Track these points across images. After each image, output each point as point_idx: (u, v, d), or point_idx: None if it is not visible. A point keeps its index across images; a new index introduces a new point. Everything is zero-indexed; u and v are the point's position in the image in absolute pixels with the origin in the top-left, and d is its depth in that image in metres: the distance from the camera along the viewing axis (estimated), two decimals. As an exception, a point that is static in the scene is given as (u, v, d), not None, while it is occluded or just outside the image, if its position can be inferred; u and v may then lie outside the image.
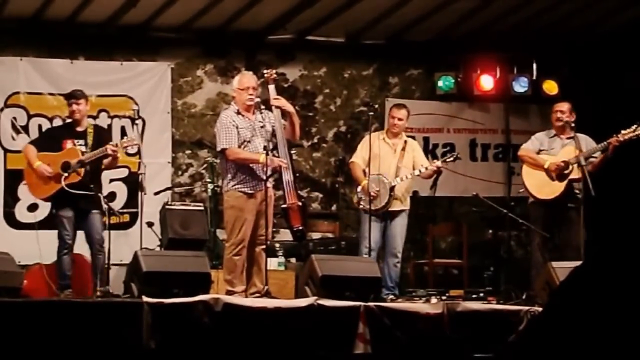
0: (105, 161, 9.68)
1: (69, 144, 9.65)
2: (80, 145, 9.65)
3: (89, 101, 10.14)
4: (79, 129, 9.80)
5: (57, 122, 11.35)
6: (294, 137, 9.58)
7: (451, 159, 10.65)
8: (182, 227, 10.78)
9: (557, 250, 10.05)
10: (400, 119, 10.34)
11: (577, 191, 9.98)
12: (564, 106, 10.30)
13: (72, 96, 9.90)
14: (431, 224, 12.47)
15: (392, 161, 10.20)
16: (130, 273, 8.71)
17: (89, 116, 10.73)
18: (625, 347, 2.73)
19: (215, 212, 10.91)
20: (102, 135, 9.86)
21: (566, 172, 10.00)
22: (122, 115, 11.78)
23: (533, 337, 2.93)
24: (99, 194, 9.57)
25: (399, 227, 10.21)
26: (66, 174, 9.51)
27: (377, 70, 13.03)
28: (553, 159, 10.10)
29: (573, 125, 10.09)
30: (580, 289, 2.84)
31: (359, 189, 10.22)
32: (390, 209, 10.14)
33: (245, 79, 9.44)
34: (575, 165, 9.92)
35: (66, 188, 9.46)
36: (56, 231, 9.71)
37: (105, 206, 9.60)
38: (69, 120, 10.04)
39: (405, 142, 10.40)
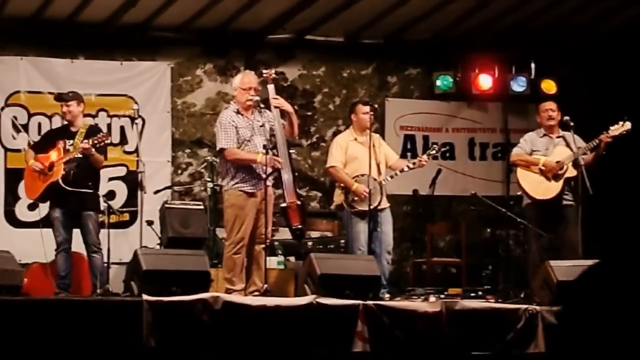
0: (91, 159, 9.68)
1: (60, 145, 9.69)
2: (70, 145, 9.68)
3: (88, 100, 10.15)
4: (72, 129, 9.84)
5: (56, 121, 11.42)
6: (292, 135, 9.63)
7: (433, 152, 10.59)
8: (181, 225, 10.81)
9: (554, 250, 10.08)
10: (372, 113, 10.24)
11: (566, 192, 10.03)
12: (553, 105, 10.37)
13: (61, 99, 9.99)
14: (430, 222, 12.50)
15: (371, 159, 10.08)
16: (130, 272, 8.75)
17: (90, 115, 10.82)
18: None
19: (215, 211, 10.95)
20: (94, 135, 9.77)
21: (561, 171, 10.05)
22: (121, 114, 11.82)
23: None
24: (97, 193, 9.61)
25: (389, 225, 10.19)
26: (50, 173, 9.59)
27: (376, 69, 13.06)
28: (547, 158, 10.14)
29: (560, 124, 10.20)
30: (592, 288, 2.84)
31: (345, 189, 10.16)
32: (380, 207, 10.11)
33: (248, 78, 9.46)
34: (570, 164, 9.98)
35: (63, 184, 9.49)
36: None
37: (104, 205, 9.67)
38: (65, 122, 10.07)
39: (371, 137, 10.18)
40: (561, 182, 10.03)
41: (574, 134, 10.03)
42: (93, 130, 9.90)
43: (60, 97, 10.04)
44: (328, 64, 12.88)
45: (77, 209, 9.66)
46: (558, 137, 10.20)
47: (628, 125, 9.90)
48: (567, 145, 10.05)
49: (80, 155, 9.54)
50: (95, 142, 9.52)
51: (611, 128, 9.90)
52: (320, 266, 8.74)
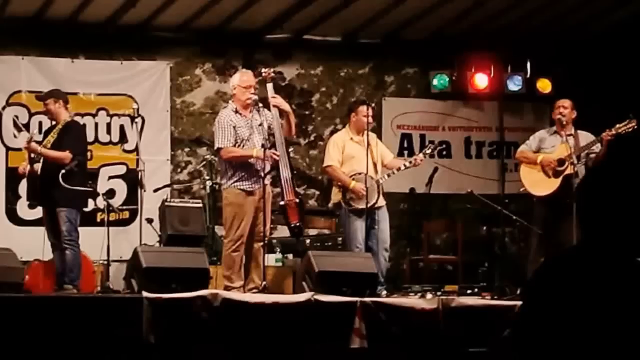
0: (48, 159, 9.64)
1: None
2: (48, 142, 9.73)
3: (88, 100, 10.15)
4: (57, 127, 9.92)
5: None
6: (290, 134, 9.71)
7: (429, 150, 10.68)
8: (181, 223, 10.86)
9: (556, 248, 10.10)
10: (371, 115, 10.26)
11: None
12: (567, 102, 10.32)
13: (39, 99, 10.05)
14: (426, 220, 12.53)
15: (368, 158, 10.13)
16: (131, 269, 8.80)
17: (89, 114, 10.96)
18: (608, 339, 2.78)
19: (214, 209, 11.00)
20: (66, 133, 9.79)
21: (560, 169, 10.11)
22: (121, 113, 11.90)
23: (518, 331, 2.97)
24: (73, 189, 9.61)
25: (386, 222, 10.24)
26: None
27: (373, 68, 13.11)
28: (547, 155, 10.20)
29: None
30: (553, 275, 2.90)
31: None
32: (377, 205, 10.18)
33: (247, 77, 9.55)
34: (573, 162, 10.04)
35: (63, 182, 9.55)
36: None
37: (103, 203, 9.77)
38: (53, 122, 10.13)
39: (368, 136, 10.19)
40: (560, 178, 10.08)
41: (587, 133, 10.07)
42: (66, 128, 9.86)
43: (39, 98, 10.11)
44: (325, 63, 12.94)
45: (51, 207, 9.70)
46: (569, 134, 10.20)
47: (634, 122, 9.92)
48: (576, 143, 10.07)
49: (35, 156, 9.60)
50: (30, 142, 9.59)
51: (616, 125, 9.93)
52: (318, 263, 8.80)
